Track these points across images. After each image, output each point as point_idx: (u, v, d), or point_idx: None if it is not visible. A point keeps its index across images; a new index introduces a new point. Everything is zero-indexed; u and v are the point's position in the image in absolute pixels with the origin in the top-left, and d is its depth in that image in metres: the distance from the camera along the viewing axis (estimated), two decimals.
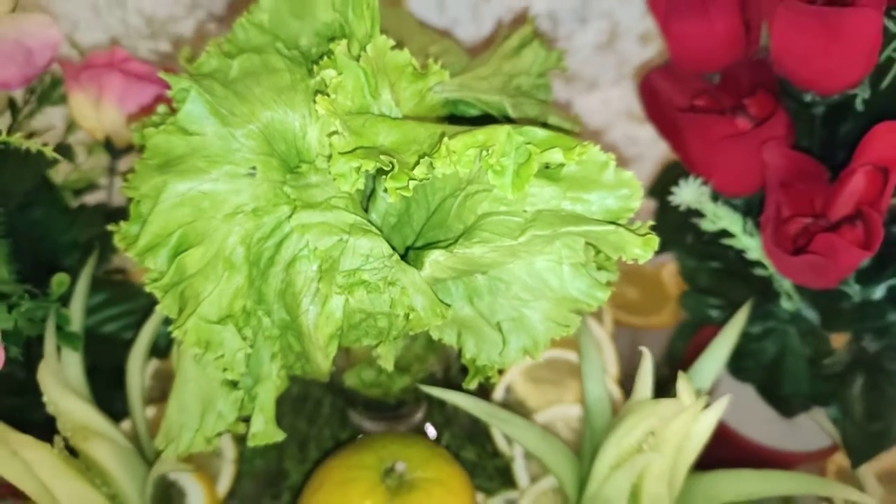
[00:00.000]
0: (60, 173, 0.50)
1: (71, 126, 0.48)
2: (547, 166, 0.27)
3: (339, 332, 0.28)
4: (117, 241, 0.29)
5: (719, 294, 0.46)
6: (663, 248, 0.48)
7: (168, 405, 0.31)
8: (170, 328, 0.28)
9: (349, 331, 0.28)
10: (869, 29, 0.32)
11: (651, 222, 0.27)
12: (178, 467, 0.35)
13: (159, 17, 0.60)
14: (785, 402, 0.46)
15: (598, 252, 0.29)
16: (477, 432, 0.46)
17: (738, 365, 0.47)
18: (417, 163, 0.25)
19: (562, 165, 0.27)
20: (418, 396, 0.42)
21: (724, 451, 0.53)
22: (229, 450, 0.45)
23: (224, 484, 0.44)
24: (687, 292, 0.47)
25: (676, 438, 0.32)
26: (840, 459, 0.53)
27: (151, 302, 0.43)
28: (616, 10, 0.62)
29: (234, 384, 0.29)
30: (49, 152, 0.32)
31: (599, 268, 0.29)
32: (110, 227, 0.30)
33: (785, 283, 0.42)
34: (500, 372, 0.31)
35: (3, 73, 0.34)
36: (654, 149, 0.70)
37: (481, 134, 0.26)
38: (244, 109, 0.28)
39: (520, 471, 0.44)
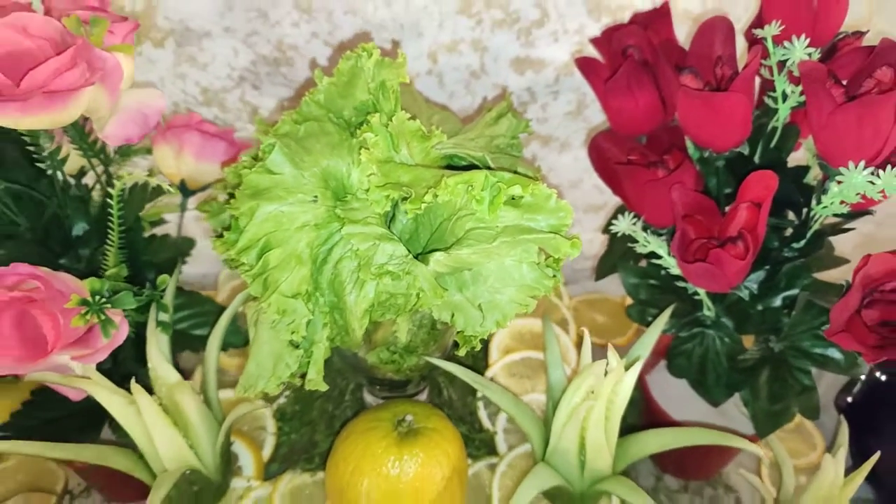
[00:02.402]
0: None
1: (151, 171, 0.63)
2: (512, 197, 0.42)
3: (371, 308, 0.42)
4: (217, 246, 0.43)
5: (656, 305, 0.59)
6: (612, 270, 0.62)
7: (246, 365, 0.44)
8: (257, 303, 0.42)
9: (378, 307, 0.42)
10: (739, 108, 0.47)
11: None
12: (255, 406, 0.48)
13: (213, 88, 0.75)
14: (711, 392, 0.60)
15: (548, 257, 0.43)
16: (466, 413, 0.59)
17: (673, 363, 0.61)
18: (426, 193, 0.39)
19: (521, 196, 0.41)
20: (423, 376, 0.55)
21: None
22: (271, 426, 0.58)
23: (267, 451, 0.57)
24: (631, 305, 0.60)
25: (608, 390, 0.45)
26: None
27: (215, 308, 0.57)
28: (582, 85, 0.78)
29: (296, 345, 0.42)
30: (166, 187, 0.46)
31: (548, 266, 0.42)
32: (213, 238, 0.44)
33: (703, 294, 0.56)
34: (482, 341, 0.44)
35: (128, 130, 0.48)
36: (616, 197, 0.85)
37: (468, 175, 0.41)
38: (309, 158, 0.42)
39: (500, 442, 0.57)
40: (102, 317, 0.43)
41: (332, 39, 0.72)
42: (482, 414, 0.60)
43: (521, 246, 0.41)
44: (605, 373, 0.46)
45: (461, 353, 0.45)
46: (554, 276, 0.42)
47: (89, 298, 0.43)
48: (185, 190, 0.60)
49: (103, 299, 0.43)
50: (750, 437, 0.64)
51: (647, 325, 0.60)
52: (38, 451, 0.47)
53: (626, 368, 0.46)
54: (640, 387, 0.66)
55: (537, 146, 0.84)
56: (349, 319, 0.42)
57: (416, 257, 0.43)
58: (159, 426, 0.46)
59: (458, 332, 0.45)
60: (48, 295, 0.43)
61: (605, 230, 0.65)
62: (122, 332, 0.45)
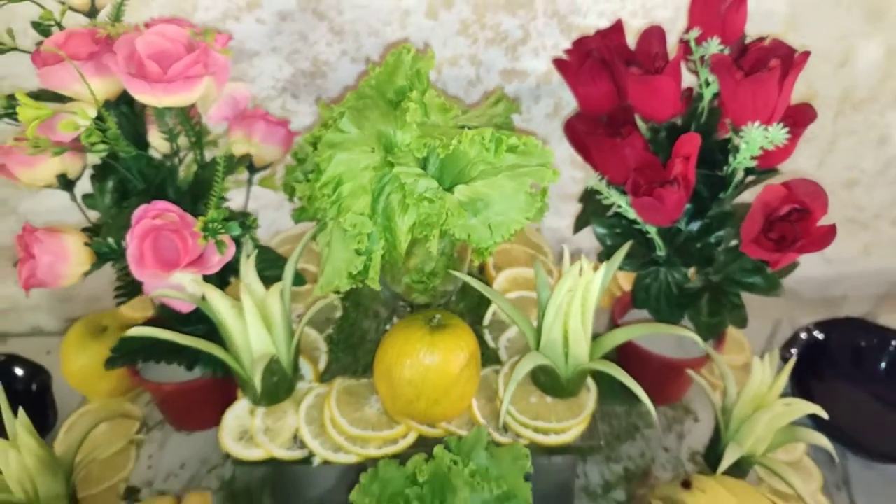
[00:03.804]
0: None
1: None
2: (510, 146, 0.61)
3: (413, 226, 0.60)
4: (300, 188, 0.62)
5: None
6: (586, 223, 0.81)
7: (323, 271, 0.62)
8: (326, 232, 0.60)
9: (417, 225, 0.60)
10: (668, 86, 0.67)
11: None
12: (330, 298, 0.65)
13: (259, 97, 0.95)
14: (665, 317, 0.78)
15: (537, 188, 0.62)
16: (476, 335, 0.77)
17: (637, 297, 0.79)
18: (452, 140, 0.58)
19: (517, 145, 0.61)
20: (444, 298, 0.73)
21: (639, 362, 0.84)
22: (324, 347, 0.76)
23: (322, 365, 0.75)
24: (602, 251, 0.79)
25: (582, 287, 0.64)
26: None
27: (278, 257, 0.75)
28: (558, 91, 0.99)
29: (360, 253, 0.61)
30: (249, 157, 0.65)
31: (537, 195, 0.62)
32: (299, 183, 0.63)
33: (654, 234, 0.75)
34: (490, 253, 0.62)
35: (225, 112, 0.68)
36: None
37: (480, 130, 0.60)
38: (367, 123, 0.62)
39: (502, 355, 0.76)
40: (218, 238, 0.61)
41: (358, 56, 0.92)
42: (488, 337, 0.78)
43: (518, 179, 0.61)
44: (580, 274, 0.65)
45: (475, 264, 0.63)
46: (541, 201, 0.62)
47: (208, 223, 0.61)
48: (252, 167, 0.79)
49: (219, 225, 0.61)
50: (695, 360, 0.83)
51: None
52: (171, 337, 0.64)
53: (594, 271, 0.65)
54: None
55: None
56: (397, 235, 0.61)
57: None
58: (255, 324, 0.64)
59: (473, 250, 0.63)
60: (181, 224, 0.62)
61: (581, 198, 0.85)
62: (230, 250, 0.63)
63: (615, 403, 0.91)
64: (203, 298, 0.65)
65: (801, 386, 1.00)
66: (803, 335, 1.08)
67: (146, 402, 0.89)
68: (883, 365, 1.06)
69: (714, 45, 0.69)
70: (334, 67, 0.93)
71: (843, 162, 1.11)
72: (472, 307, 0.81)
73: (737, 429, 0.77)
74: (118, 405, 0.86)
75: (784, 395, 0.82)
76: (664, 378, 0.86)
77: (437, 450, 0.58)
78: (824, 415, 0.75)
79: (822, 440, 0.78)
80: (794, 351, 1.06)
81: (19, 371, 0.97)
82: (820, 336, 1.08)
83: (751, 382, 0.77)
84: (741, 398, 0.77)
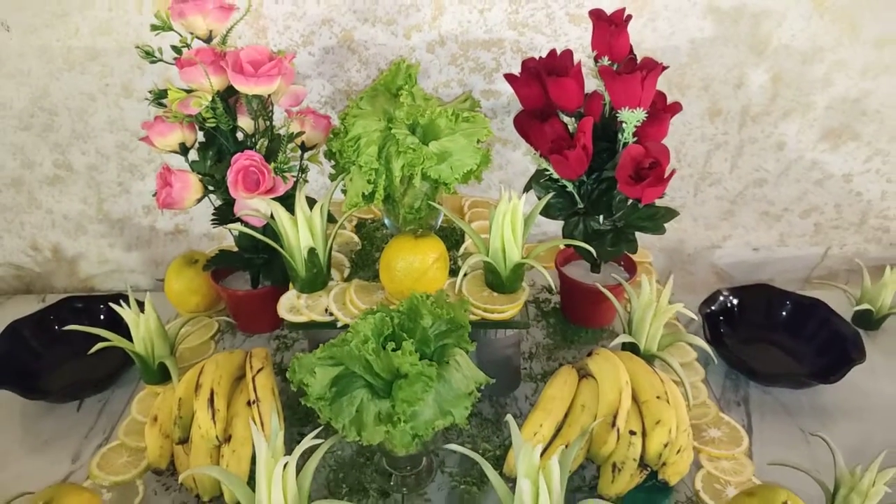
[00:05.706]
0: None
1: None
2: (465, 118, 1.02)
3: (403, 166, 1.01)
4: (334, 143, 1.04)
5: (553, 204, 1.17)
6: (530, 187, 1.22)
7: (348, 195, 1.03)
8: (354, 164, 1.02)
9: (405, 166, 1.01)
10: (571, 87, 1.08)
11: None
12: (352, 214, 1.06)
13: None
14: (585, 252, 1.16)
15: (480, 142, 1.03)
16: (451, 262, 1.17)
17: (565, 236, 1.18)
18: (428, 112, 1.00)
19: (469, 118, 1.02)
20: (430, 229, 1.13)
21: (575, 289, 1.22)
22: (347, 264, 1.16)
23: (346, 274, 1.15)
24: (536, 206, 1.19)
25: (511, 208, 1.03)
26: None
27: (315, 201, 1.17)
28: None
29: (370, 182, 1.01)
30: (303, 133, 1.08)
31: (483, 150, 1.02)
32: (331, 140, 1.05)
33: (573, 189, 1.14)
34: (453, 189, 1.02)
35: (290, 101, 1.10)
36: None
37: (446, 108, 1.01)
38: (377, 103, 1.04)
39: (464, 268, 1.15)
40: (283, 173, 1.03)
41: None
42: (460, 263, 1.17)
43: (469, 137, 1.01)
44: (510, 200, 1.04)
45: (445, 193, 1.04)
46: (485, 153, 1.02)
47: (277, 166, 1.03)
48: (304, 147, 1.21)
49: (284, 165, 1.03)
50: (612, 287, 1.20)
51: (548, 215, 1.18)
52: (252, 233, 1.05)
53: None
54: (560, 273, 1.24)
55: (499, 146, 1.45)
56: (393, 172, 1.02)
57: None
58: (304, 228, 1.04)
59: (443, 185, 1.04)
60: (261, 165, 1.04)
61: (533, 176, 1.25)
62: (290, 182, 1.04)
63: (558, 323, 1.28)
64: (271, 217, 1.06)
65: (714, 333, 1.35)
66: (720, 297, 1.44)
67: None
68: (783, 316, 1.41)
69: (605, 61, 1.09)
70: (362, 87, 1.37)
71: (751, 164, 1.50)
72: (450, 246, 1.21)
73: (635, 328, 1.14)
74: (202, 315, 1.27)
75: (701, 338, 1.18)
76: (592, 302, 1.24)
77: (412, 293, 0.97)
78: (690, 314, 1.12)
79: (699, 341, 1.15)
80: (713, 308, 1.42)
81: None
82: (733, 298, 1.44)
83: (642, 293, 1.14)
84: (637, 306, 1.14)
